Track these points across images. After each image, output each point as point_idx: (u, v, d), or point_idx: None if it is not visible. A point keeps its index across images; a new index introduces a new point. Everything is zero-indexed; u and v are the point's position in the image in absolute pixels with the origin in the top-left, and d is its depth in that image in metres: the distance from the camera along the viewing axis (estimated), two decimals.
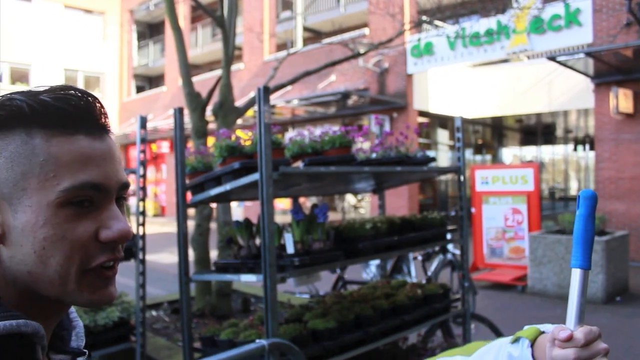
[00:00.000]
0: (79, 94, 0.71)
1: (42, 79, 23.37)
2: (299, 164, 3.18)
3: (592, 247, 0.96)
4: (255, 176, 2.88)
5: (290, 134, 16.74)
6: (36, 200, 0.66)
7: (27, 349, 0.66)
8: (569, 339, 0.91)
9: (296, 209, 3.23)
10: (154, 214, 23.55)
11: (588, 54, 9.17)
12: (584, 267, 0.95)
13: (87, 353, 0.79)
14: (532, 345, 1.06)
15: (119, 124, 25.77)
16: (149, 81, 28.30)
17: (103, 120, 0.73)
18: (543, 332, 1.08)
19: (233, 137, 3.24)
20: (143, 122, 4.13)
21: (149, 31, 27.70)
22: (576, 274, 0.95)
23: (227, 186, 3.10)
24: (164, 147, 22.55)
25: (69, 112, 0.69)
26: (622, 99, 9.92)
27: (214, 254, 6.44)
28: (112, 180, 0.71)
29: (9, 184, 0.66)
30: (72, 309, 0.83)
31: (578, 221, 0.97)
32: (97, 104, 0.73)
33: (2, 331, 0.62)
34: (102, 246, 0.70)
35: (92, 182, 0.68)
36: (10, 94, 0.69)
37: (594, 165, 11.51)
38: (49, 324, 0.73)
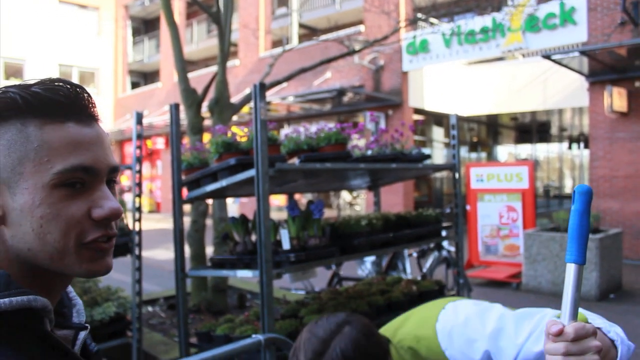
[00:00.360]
0: (68, 86, 0.77)
1: (37, 74, 23.27)
2: (295, 161, 3.19)
3: (587, 242, 0.95)
4: (251, 172, 2.89)
5: (286, 130, 16.70)
6: (32, 182, 0.72)
7: (37, 322, 0.72)
8: (560, 333, 0.93)
9: (292, 205, 3.25)
10: (149, 210, 23.52)
11: (583, 53, 9.20)
12: (578, 262, 0.95)
13: (88, 327, 0.84)
14: None
15: (114, 119, 25.70)
16: (144, 77, 28.22)
17: (91, 109, 0.79)
18: (588, 323, 1.10)
19: (229, 134, 3.25)
20: (139, 118, 4.13)
21: (144, 27, 27.61)
22: (571, 269, 0.95)
23: (223, 182, 3.11)
24: (159, 143, 22.50)
25: (60, 101, 0.75)
26: (616, 98, 9.96)
27: (209, 250, 6.45)
28: (102, 164, 0.77)
29: (7, 168, 0.72)
30: (70, 288, 0.89)
31: (573, 216, 0.97)
32: (85, 95, 0.78)
33: (15, 306, 0.68)
34: (96, 223, 0.76)
35: (83, 165, 0.74)
36: (4, 87, 0.74)
37: (588, 164, 11.56)
38: (52, 299, 0.78)
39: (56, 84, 0.76)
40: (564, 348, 0.92)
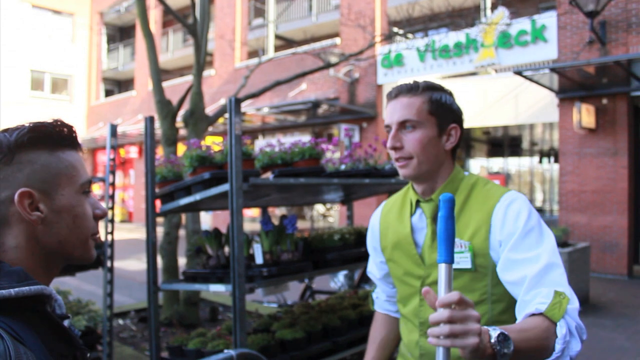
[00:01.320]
0: (68, 124, 1.06)
1: (8, 80, 22.89)
2: (269, 175, 3.21)
3: (453, 243, 1.06)
4: (225, 187, 2.90)
5: (260, 142, 16.69)
6: (67, 190, 1.01)
7: (43, 306, 0.94)
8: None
9: (265, 219, 3.26)
10: (121, 219, 23.20)
11: (553, 70, 9.41)
12: (448, 262, 1.05)
13: (70, 316, 1.08)
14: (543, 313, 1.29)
15: (87, 127, 25.34)
16: (118, 85, 27.95)
17: (77, 139, 1.10)
18: (557, 318, 1.33)
19: (204, 148, 3.26)
20: (113, 130, 4.11)
21: (119, 34, 27.39)
22: (442, 268, 1.05)
23: (197, 196, 3.12)
24: (132, 152, 22.24)
25: (70, 136, 1.05)
26: (584, 114, 10.18)
27: (182, 262, 6.41)
28: (90, 178, 1.08)
29: (47, 180, 0.99)
30: (51, 287, 1.10)
31: (440, 222, 1.08)
32: (75, 130, 1.08)
33: (32, 292, 0.90)
34: (95, 221, 1.07)
35: (89, 178, 1.06)
36: (38, 122, 1.01)
37: (558, 178, 11.78)
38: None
39: (60, 123, 1.04)
40: (448, 313, 1.01)
